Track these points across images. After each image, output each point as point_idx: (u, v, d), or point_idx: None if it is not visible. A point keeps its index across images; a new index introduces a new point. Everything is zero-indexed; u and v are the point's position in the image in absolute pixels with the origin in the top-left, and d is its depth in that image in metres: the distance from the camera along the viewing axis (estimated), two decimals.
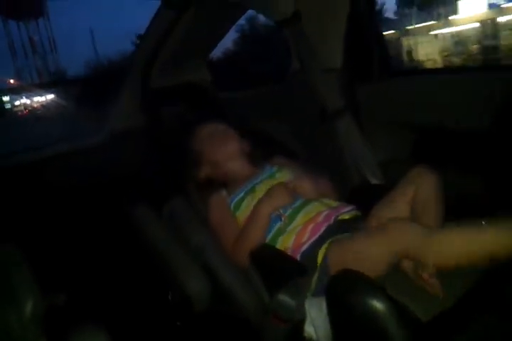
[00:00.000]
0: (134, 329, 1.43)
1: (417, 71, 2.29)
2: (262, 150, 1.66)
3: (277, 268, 1.28)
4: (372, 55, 1.89)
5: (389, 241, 1.13)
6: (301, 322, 1.17)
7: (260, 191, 1.47)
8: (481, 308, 1.18)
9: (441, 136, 1.70)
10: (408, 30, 13.33)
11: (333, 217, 1.38)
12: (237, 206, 1.48)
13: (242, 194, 1.49)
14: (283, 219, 1.39)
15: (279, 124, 1.87)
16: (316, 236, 1.33)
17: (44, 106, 20.67)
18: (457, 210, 1.47)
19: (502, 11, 9.95)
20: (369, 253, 1.15)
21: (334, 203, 1.48)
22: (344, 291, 1.10)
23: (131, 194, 1.58)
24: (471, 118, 1.53)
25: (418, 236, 1.10)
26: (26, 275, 0.84)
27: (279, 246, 1.35)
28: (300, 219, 1.39)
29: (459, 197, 1.53)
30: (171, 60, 1.82)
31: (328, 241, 1.27)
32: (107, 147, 1.76)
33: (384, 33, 1.96)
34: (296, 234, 1.35)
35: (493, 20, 9.79)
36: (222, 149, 1.58)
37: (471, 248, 1.08)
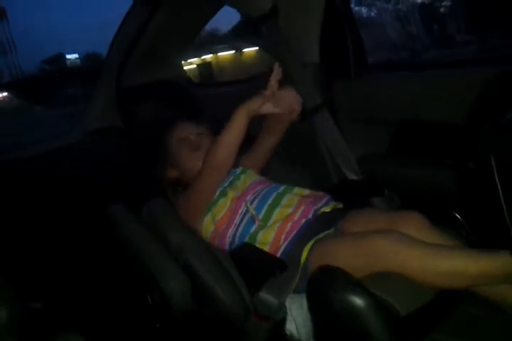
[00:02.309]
0: (113, 333, 1.42)
1: (394, 66, 2.29)
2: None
3: (258, 266, 1.28)
4: (349, 50, 1.89)
5: (374, 259, 1.11)
6: (283, 319, 1.17)
7: (231, 192, 1.46)
8: (460, 301, 1.20)
9: (417, 130, 1.71)
10: None
11: (311, 212, 1.37)
12: (209, 207, 1.45)
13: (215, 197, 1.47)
14: (257, 222, 1.37)
15: (256, 121, 1.86)
16: (295, 232, 1.32)
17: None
18: (432, 203, 1.50)
19: None
20: (352, 264, 1.13)
21: (306, 191, 1.47)
22: (323, 287, 1.10)
23: (107, 194, 1.56)
24: (447, 113, 1.54)
25: (405, 259, 1.07)
26: (0, 282, 0.82)
27: (258, 244, 1.34)
28: (276, 216, 1.37)
29: (434, 189, 1.55)
30: (145, 57, 1.79)
31: (312, 241, 1.26)
32: (81, 147, 1.72)
33: None
34: (276, 230, 1.34)
35: None
36: (191, 157, 1.53)
37: (456, 277, 1.07)
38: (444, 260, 1.07)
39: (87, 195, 1.59)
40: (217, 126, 1.56)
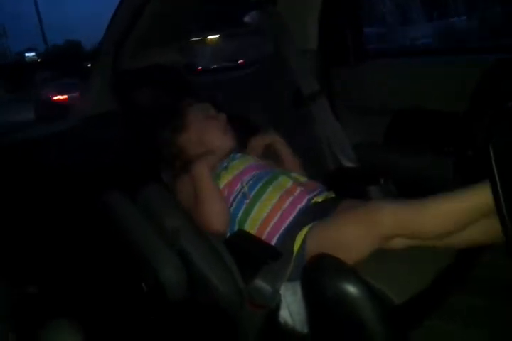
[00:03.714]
0: (108, 320, 1.42)
1: (393, 54, 2.28)
2: (237, 134, 1.64)
3: (252, 254, 1.28)
4: (348, 37, 1.87)
5: (368, 225, 1.12)
6: (277, 307, 1.17)
7: (229, 174, 1.46)
8: (451, 289, 1.21)
9: (416, 118, 1.71)
10: None
11: (305, 199, 1.37)
12: None
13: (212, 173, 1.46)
14: (248, 198, 1.38)
15: (254, 108, 1.85)
16: (290, 219, 1.32)
17: None
18: (429, 191, 1.50)
19: None
20: (348, 240, 1.15)
21: (302, 178, 1.47)
22: (317, 275, 1.10)
23: (103, 180, 1.55)
24: (446, 101, 1.54)
25: (402, 216, 1.11)
26: None
27: (249, 224, 1.35)
28: (268, 194, 1.37)
29: (431, 179, 1.55)
30: (142, 41, 1.77)
31: (306, 228, 1.26)
32: (80, 132, 1.70)
33: None
34: (271, 207, 1.34)
35: None
36: (221, 137, 1.54)
37: (454, 217, 1.11)
38: (439, 205, 1.11)
39: (82, 181, 1.58)
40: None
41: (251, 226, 1.35)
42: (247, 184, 1.42)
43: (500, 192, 0.80)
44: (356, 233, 1.15)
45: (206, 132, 1.54)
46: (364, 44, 1.97)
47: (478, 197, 1.07)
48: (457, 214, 1.10)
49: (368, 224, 1.13)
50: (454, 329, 1.12)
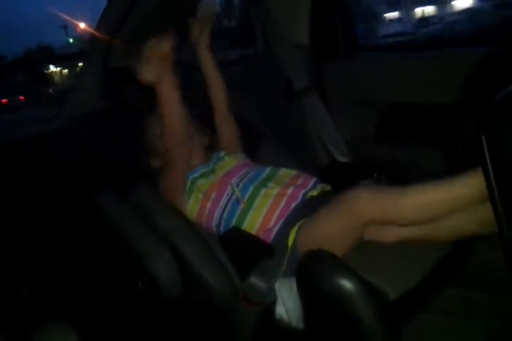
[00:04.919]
0: (104, 318, 1.41)
1: (383, 47, 2.29)
2: None
3: (247, 251, 1.28)
4: (338, 31, 1.87)
5: (351, 214, 1.12)
6: (273, 303, 1.17)
7: (215, 173, 1.46)
8: (445, 283, 1.21)
9: (407, 112, 1.71)
10: None
11: (300, 195, 1.37)
12: (192, 188, 1.44)
13: (198, 172, 1.47)
14: (242, 204, 1.37)
15: (246, 103, 1.84)
16: (285, 217, 1.32)
17: None
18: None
19: None
20: (333, 233, 1.15)
21: (293, 172, 1.47)
22: (312, 271, 1.10)
23: (94, 180, 1.54)
24: (437, 94, 1.54)
25: (380, 202, 1.09)
26: None
27: (245, 227, 1.34)
28: (261, 198, 1.36)
29: (423, 172, 1.55)
30: (132, 39, 1.75)
31: (297, 225, 1.26)
32: (68, 131, 1.68)
33: None
34: (264, 214, 1.34)
35: None
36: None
37: (438, 205, 1.10)
38: (423, 193, 1.10)
39: (73, 180, 1.56)
40: (202, 110, 1.55)
41: (247, 228, 1.34)
42: (237, 187, 1.41)
43: (494, 182, 0.79)
44: (338, 224, 1.15)
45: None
46: (355, 38, 1.97)
47: (465, 187, 1.06)
48: (438, 203, 1.09)
49: (347, 213, 1.13)
50: (448, 322, 1.12)
